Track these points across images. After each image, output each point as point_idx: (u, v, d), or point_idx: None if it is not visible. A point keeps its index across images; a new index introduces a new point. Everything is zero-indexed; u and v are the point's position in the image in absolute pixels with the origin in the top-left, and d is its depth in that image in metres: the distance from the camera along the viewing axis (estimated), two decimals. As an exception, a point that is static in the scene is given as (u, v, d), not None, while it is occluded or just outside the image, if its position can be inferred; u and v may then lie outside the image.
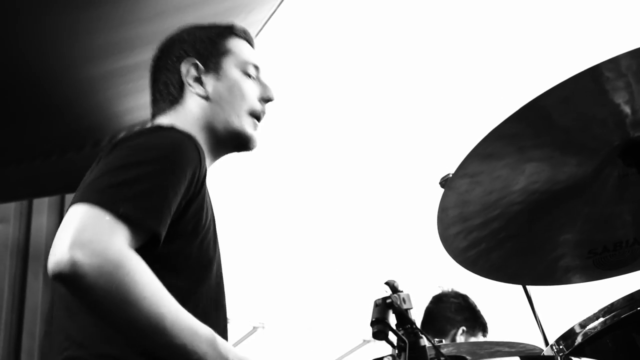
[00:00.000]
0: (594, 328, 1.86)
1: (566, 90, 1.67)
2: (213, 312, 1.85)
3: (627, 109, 1.76)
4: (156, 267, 1.63)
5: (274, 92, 2.17)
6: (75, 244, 1.50)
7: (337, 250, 6.47)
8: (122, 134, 4.01)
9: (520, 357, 1.61)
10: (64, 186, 4.54)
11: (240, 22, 3.48)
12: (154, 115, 2.15)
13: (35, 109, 3.59)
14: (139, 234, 1.61)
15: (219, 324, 1.84)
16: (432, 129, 5.60)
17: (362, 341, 7.02)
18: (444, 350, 1.54)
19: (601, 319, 1.86)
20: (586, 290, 2.33)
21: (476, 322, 3.90)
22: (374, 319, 1.46)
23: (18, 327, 4.40)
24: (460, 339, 3.77)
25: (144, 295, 1.52)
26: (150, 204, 1.64)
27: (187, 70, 2.11)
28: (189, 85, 2.10)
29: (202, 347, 1.57)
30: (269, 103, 2.17)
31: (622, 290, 1.86)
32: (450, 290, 3.97)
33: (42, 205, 4.85)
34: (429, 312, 3.94)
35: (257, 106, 2.12)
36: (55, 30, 3.06)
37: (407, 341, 1.45)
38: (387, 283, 1.53)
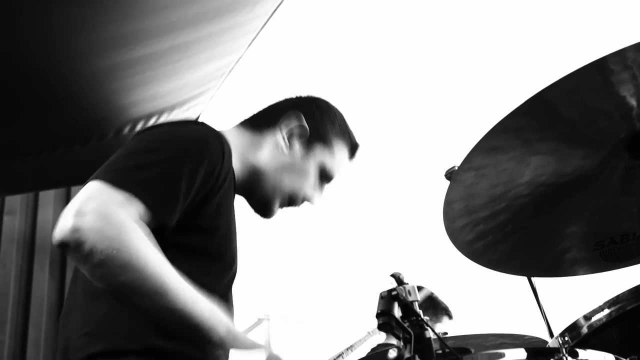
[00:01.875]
0: (599, 320, 1.86)
1: (572, 83, 1.66)
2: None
3: (632, 102, 1.75)
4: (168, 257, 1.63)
5: (317, 201, 2.18)
6: (79, 212, 1.52)
7: (343, 243, 6.48)
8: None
9: (525, 349, 1.60)
10: (70, 179, 4.56)
11: (246, 15, 3.51)
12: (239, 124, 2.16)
13: (41, 103, 3.59)
14: (146, 217, 1.61)
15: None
16: (437, 122, 5.59)
17: (366, 333, 7.02)
18: (449, 343, 1.55)
19: (606, 311, 1.86)
20: (591, 282, 2.33)
21: (437, 309, 3.94)
22: (379, 311, 1.46)
23: (24, 318, 4.41)
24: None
25: (146, 260, 1.52)
26: (159, 190, 1.64)
27: (290, 118, 2.12)
28: (280, 128, 2.11)
29: (203, 313, 1.56)
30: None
31: (628, 283, 1.86)
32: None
33: (48, 198, 4.86)
34: None
35: (298, 199, 2.14)
36: (61, 23, 3.05)
37: (412, 333, 1.46)
38: (392, 275, 1.54)
